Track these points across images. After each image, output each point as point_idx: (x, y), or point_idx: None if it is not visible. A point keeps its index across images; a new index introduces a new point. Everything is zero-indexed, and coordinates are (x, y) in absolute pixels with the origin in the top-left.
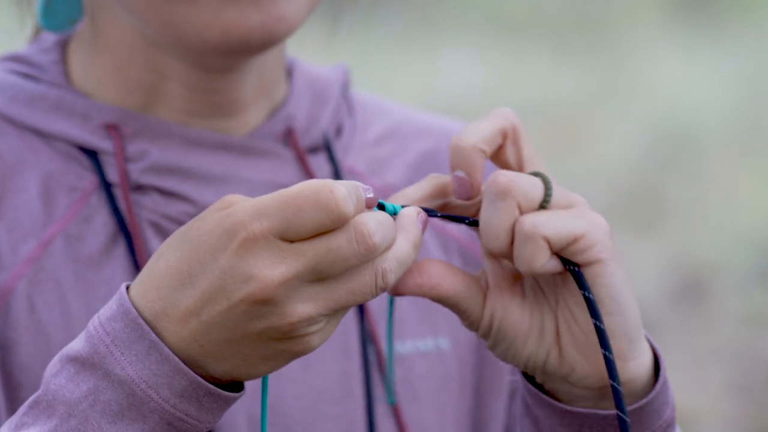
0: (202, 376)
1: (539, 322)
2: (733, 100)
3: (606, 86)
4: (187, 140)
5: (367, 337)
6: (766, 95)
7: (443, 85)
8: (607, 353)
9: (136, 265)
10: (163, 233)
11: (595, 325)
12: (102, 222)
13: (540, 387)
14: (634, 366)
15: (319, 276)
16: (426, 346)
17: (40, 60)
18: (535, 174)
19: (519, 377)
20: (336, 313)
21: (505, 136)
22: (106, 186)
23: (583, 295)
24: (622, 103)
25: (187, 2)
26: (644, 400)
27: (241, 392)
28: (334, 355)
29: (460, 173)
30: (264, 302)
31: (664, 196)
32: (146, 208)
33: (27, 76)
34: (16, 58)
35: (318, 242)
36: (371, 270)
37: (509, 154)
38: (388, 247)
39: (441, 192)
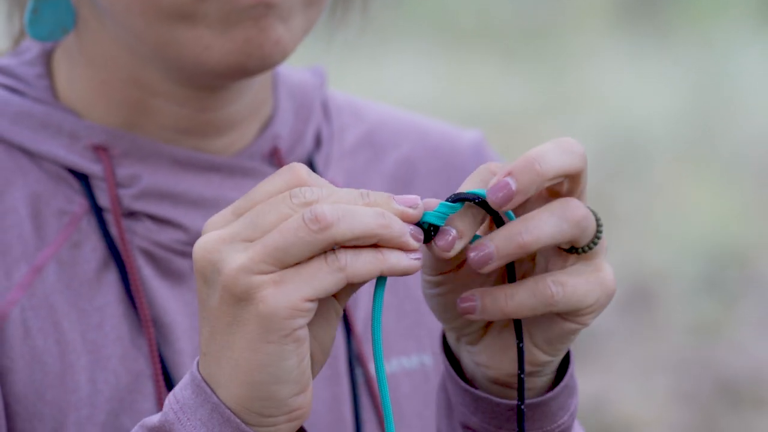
0: None
1: None
2: (680, 108)
3: (552, 95)
4: (176, 161)
5: (354, 360)
6: (712, 103)
7: (390, 93)
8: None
9: (129, 294)
10: (155, 260)
11: (519, 375)
12: (91, 247)
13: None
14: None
15: (254, 227)
16: (411, 363)
17: (24, 73)
18: (593, 213)
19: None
20: (278, 262)
21: (568, 176)
22: (98, 211)
23: (517, 344)
24: (568, 112)
25: (187, 24)
26: (536, 400)
27: None
28: (323, 380)
29: (513, 183)
30: (209, 265)
31: (611, 204)
32: (138, 235)
33: (12, 90)
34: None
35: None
36: (300, 212)
37: (564, 185)
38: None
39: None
